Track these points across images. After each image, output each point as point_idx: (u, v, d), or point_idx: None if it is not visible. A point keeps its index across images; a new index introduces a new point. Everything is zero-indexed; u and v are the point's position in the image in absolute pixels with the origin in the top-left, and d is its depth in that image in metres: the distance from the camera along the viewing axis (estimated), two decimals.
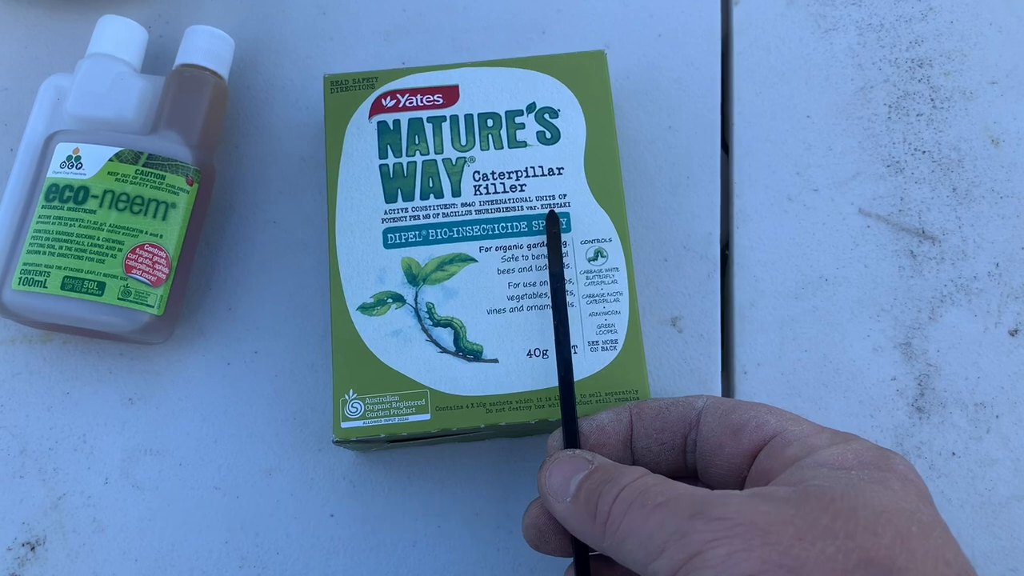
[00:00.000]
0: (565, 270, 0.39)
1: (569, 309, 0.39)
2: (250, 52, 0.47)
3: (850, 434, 0.29)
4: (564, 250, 0.39)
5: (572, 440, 0.33)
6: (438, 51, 0.47)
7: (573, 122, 0.41)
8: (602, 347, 0.38)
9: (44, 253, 0.39)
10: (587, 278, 0.39)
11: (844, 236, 0.44)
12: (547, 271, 0.39)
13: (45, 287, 0.39)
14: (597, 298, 0.39)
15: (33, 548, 0.40)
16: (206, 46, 0.44)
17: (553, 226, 0.39)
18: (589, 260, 0.39)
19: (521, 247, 0.40)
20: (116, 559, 0.40)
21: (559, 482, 0.30)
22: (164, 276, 0.40)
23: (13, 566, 0.40)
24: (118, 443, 0.42)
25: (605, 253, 0.39)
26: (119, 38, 0.44)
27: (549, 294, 0.38)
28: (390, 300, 0.39)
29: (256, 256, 0.44)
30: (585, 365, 0.38)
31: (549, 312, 0.39)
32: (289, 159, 0.46)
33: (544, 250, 0.39)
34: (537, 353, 0.38)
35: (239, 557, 0.40)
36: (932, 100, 0.46)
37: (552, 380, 0.38)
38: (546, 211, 0.40)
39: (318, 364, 0.42)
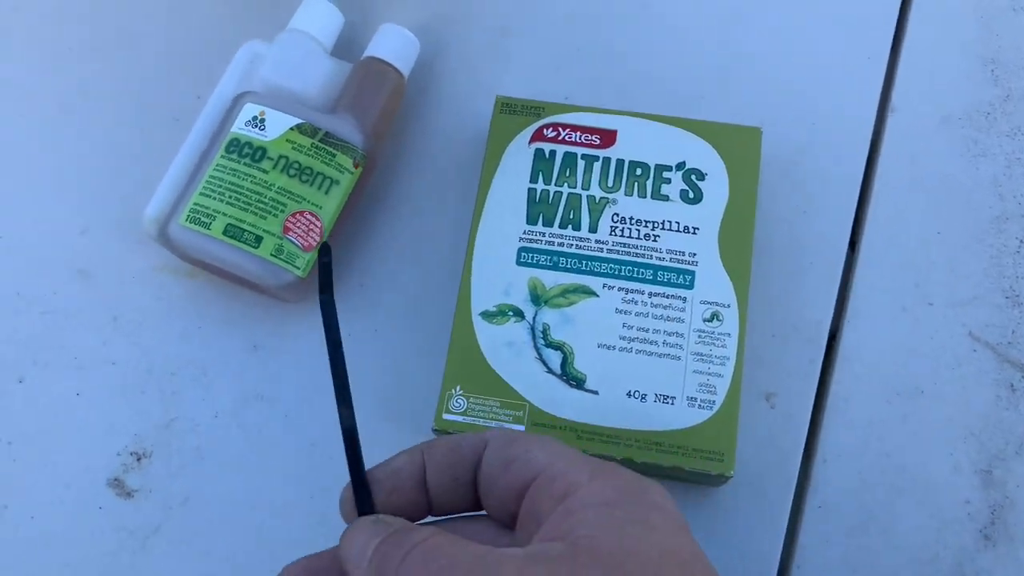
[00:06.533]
0: (676, 323, 0.41)
1: (675, 362, 0.40)
2: (429, 55, 0.51)
3: (613, 464, 0.29)
4: (682, 305, 0.41)
5: (364, 500, 0.30)
6: (600, 93, 0.50)
7: (717, 187, 0.44)
8: (699, 404, 0.40)
9: (214, 198, 0.43)
10: (698, 336, 0.41)
11: (948, 354, 0.45)
12: (664, 320, 0.41)
13: (209, 229, 0.43)
14: (705, 357, 0.41)
15: (139, 459, 0.44)
16: (395, 45, 0.47)
17: (325, 256, 0.34)
18: (705, 320, 0.41)
19: (643, 293, 0.42)
20: (207, 488, 0.43)
21: (359, 548, 0.28)
22: (315, 243, 0.43)
23: (118, 470, 0.43)
24: (235, 383, 0.45)
25: (721, 317, 0.41)
26: (319, 19, 0.48)
27: (656, 342, 0.41)
28: (511, 313, 0.42)
29: (396, 244, 0.47)
30: (680, 417, 0.40)
31: (658, 360, 0.41)
32: (445, 163, 0.49)
33: (664, 299, 0.41)
34: (636, 395, 0.40)
35: (319, 515, 0.43)
36: None
37: (646, 423, 0.40)
38: (675, 265, 0.42)
39: (428, 355, 0.44)
